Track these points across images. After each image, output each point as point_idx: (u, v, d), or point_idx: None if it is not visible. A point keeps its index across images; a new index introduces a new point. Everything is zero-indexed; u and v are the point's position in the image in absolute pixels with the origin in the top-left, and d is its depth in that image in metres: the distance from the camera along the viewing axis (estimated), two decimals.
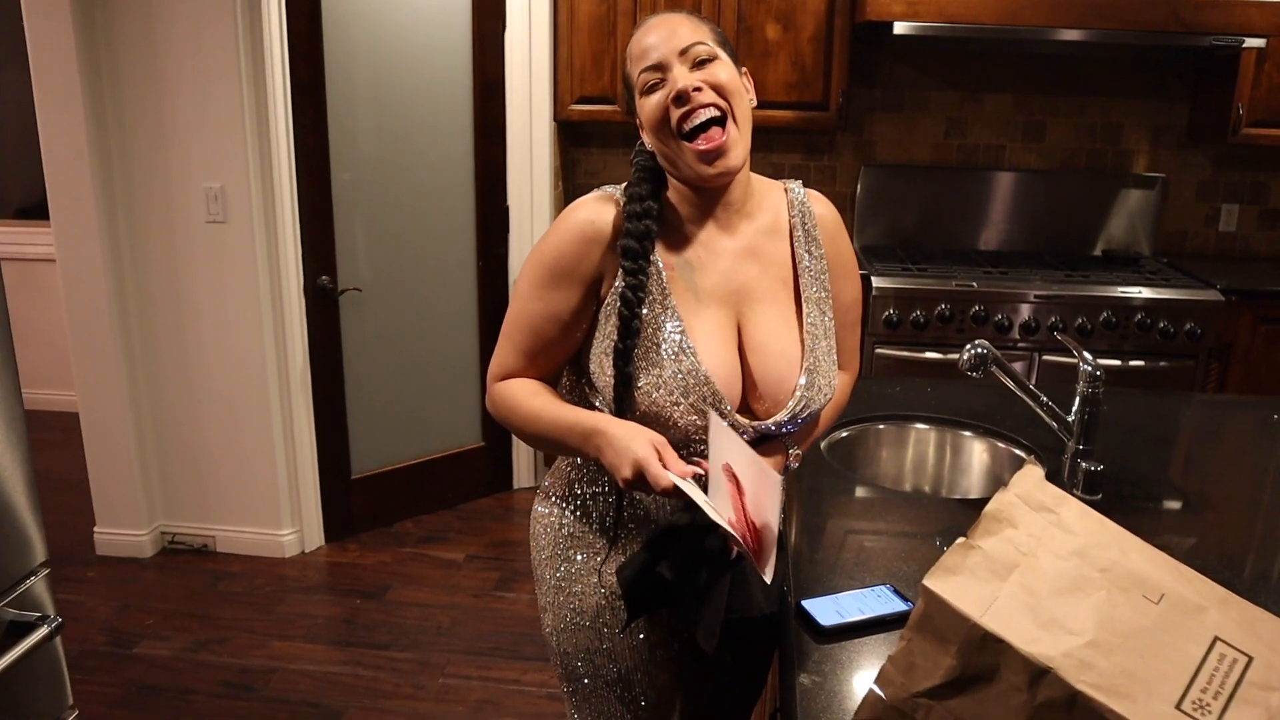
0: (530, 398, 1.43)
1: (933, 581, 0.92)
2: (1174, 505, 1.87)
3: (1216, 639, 0.90)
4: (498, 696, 2.85)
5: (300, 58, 3.28)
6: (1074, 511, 0.99)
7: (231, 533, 3.62)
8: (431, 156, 3.68)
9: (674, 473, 1.25)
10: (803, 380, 1.42)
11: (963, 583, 0.92)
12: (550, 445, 1.45)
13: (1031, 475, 1.02)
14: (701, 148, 1.35)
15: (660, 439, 1.30)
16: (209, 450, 3.55)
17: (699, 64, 1.36)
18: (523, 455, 4.19)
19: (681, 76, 1.34)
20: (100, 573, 3.50)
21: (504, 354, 1.48)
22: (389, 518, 3.87)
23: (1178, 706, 0.85)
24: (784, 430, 1.44)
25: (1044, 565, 0.94)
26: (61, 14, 3.09)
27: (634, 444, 1.28)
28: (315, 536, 3.68)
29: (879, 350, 3.64)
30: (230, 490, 3.58)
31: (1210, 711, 0.85)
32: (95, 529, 3.62)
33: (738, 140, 1.37)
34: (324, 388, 3.59)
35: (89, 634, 3.13)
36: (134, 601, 3.32)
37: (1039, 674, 0.86)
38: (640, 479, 1.26)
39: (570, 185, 4.37)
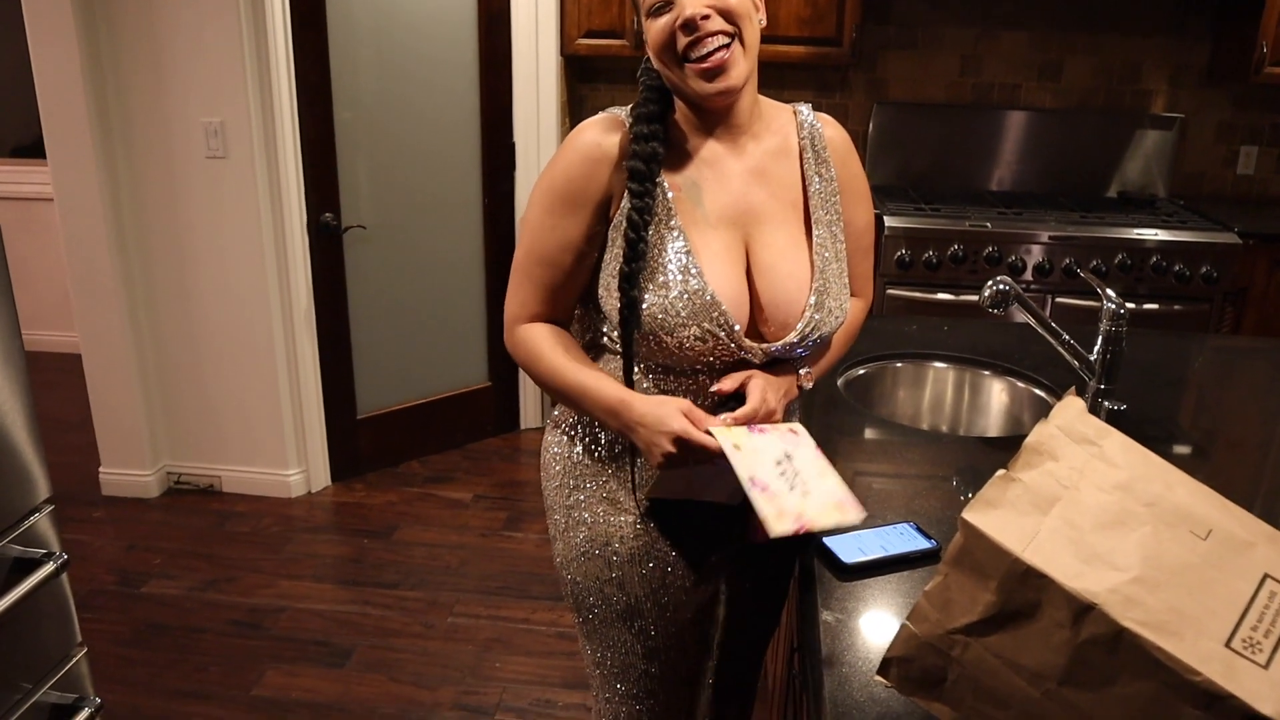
0: (552, 351, 1.41)
1: (972, 515, 0.88)
2: (1194, 446, 1.84)
3: (1266, 576, 0.87)
4: (506, 635, 2.85)
5: None
6: (1117, 444, 0.96)
7: (237, 473, 3.60)
8: (436, 91, 3.60)
9: (712, 429, 1.28)
10: (812, 301, 1.40)
11: (1003, 516, 0.88)
12: (569, 403, 1.43)
13: (1073, 406, 0.98)
14: (702, 65, 1.31)
15: (687, 404, 1.31)
16: (213, 390, 3.52)
17: None
18: (529, 396, 4.16)
19: (690, 2, 1.30)
20: (106, 513, 3.49)
21: (521, 291, 1.44)
22: (395, 458, 3.85)
23: (1227, 644, 0.82)
24: (795, 353, 1.42)
25: (1086, 499, 0.90)
26: None
27: (668, 419, 1.29)
28: (321, 476, 3.67)
29: (890, 291, 3.59)
30: (235, 430, 3.56)
31: (1261, 650, 0.82)
32: (100, 469, 3.60)
33: (740, 59, 1.32)
34: (328, 326, 3.54)
35: (97, 573, 3.12)
36: (141, 541, 3.32)
37: (1083, 610, 0.83)
38: (681, 449, 1.27)
39: (577, 121, 4.25)
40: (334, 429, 3.67)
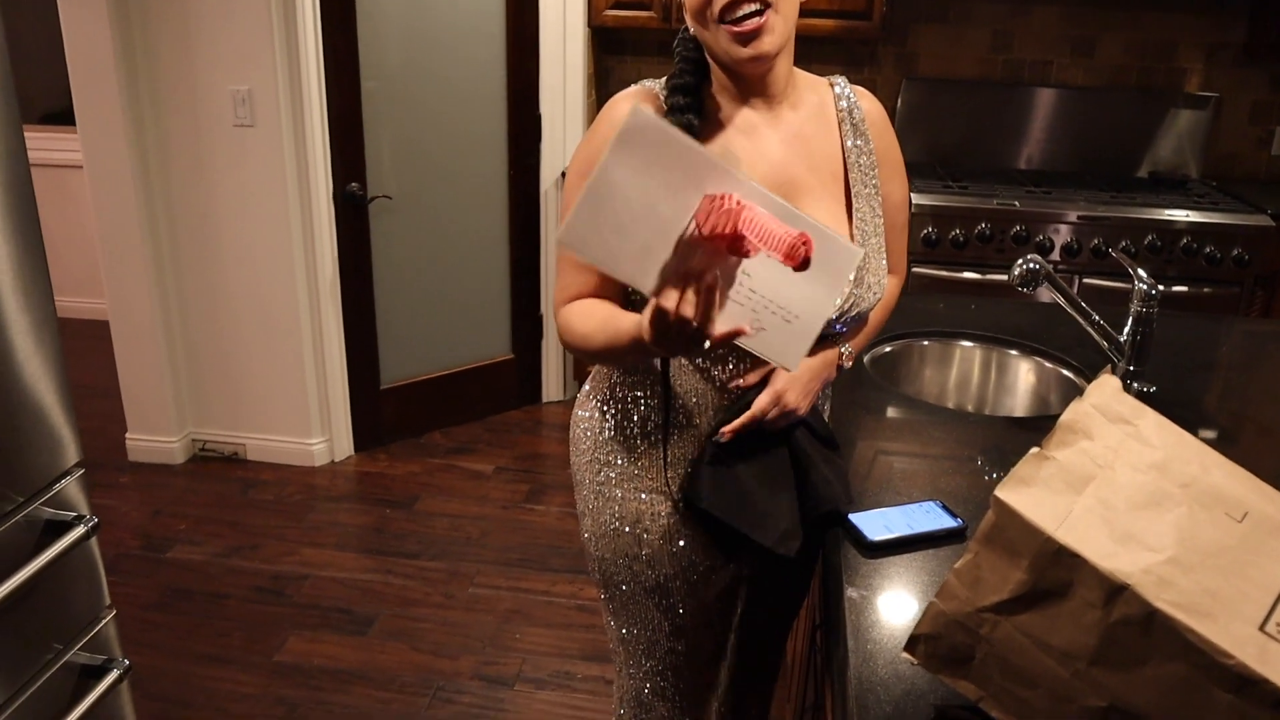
0: (584, 320, 1.36)
1: (1005, 492, 0.88)
2: (1224, 430, 1.82)
3: None
4: (526, 607, 2.86)
5: None
6: (1152, 424, 0.95)
7: (262, 441, 3.63)
8: (462, 62, 3.59)
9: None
10: (851, 277, 1.38)
11: (1036, 494, 0.88)
12: (613, 360, 1.42)
13: (1109, 385, 0.97)
14: (737, 28, 1.28)
15: None
16: (238, 358, 3.54)
17: None
18: (552, 369, 4.16)
19: None
20: (133, 478, 3.53)
21: (565, 275, 1.41)
22: (418, 429, 3.87)
23: (1261, 628, 0.82)
24: (834, 329, 1.40)
25: (1121, 479, 0.89)
26: None
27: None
28: (345, 446, 3.69)
29: (917, 269, 3.56)
30: (261, 398, 3.58)
31: None
32: (127, 435, 3.64)
33: (776, 25, 1.29)
34: (353, 296, 3.56)
35: (123, 538, 3.16)
36: (166, 507, 3.35)
37: (1116, 591, 0.83)
38: (684, 331, 1.13)
39: (603, 93, 4.26)
40: (357, 399, 3.68)
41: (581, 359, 1.44)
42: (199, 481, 3.52)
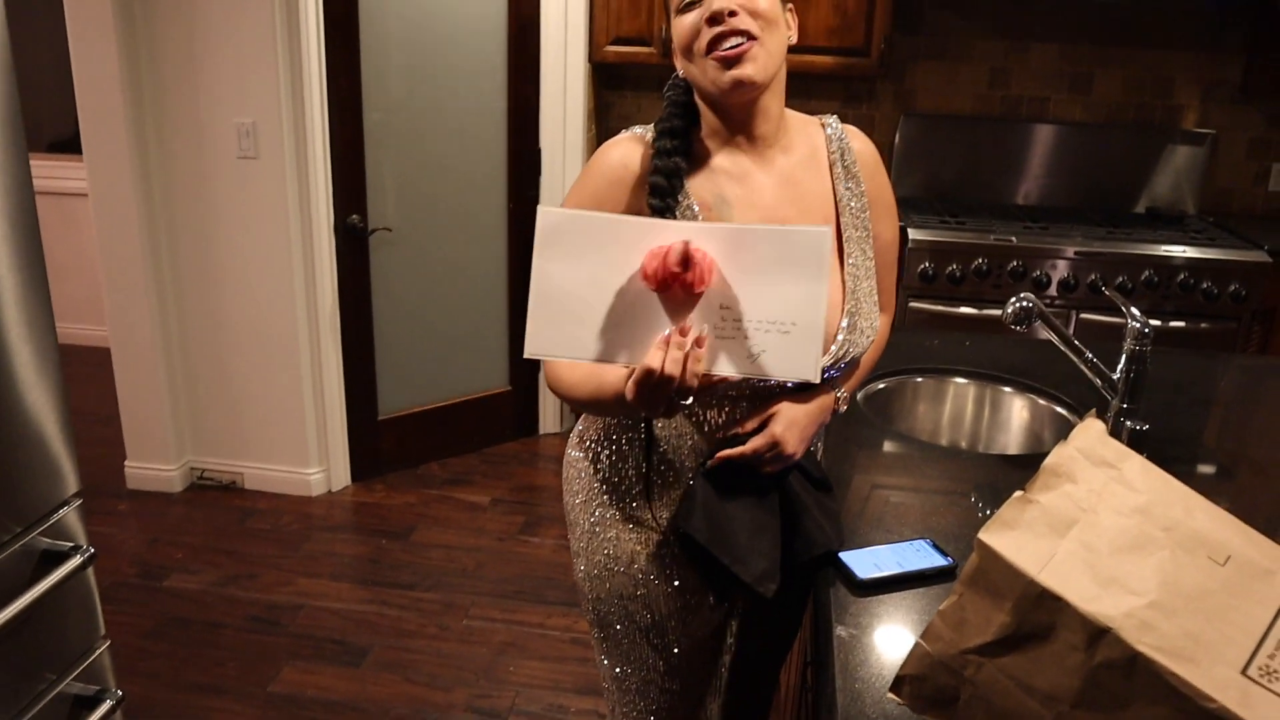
0: (570, 368, 1.36)
1: (988, 535, 0.89)
2: (1219, 467, 1.83)
3: None
4: (521, 639, 2.86)
5: None
6: (1136, 467, 0.96)
7: (259, 470, 3.64)
8: (464, 96, 3.63)
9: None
10: (844, 324, 1.39)
11: (1020, 537, 0.88)
12: (598, 411, 1.43)
13: (1093, 429, 0.98)
14: (721, 55, 1.29)
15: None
16: (238, 387, 3.55)
17: None
18: (549, 401, 4.17)
19: None
20: (131, 506, 3.53)
21: None
22: (415, 459, 3.88)
23: (1243, 672, 0.82)
24: (829, 374, 1.41)
25: (1104, 522, 0.90)
26: None
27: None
28: (342, 476, 3.70)
29: (913, 304, 3.58)
30: (258, 428, 3.59)
31: (1278, 678, 0.82)
32: (126, 463, 3.64)
33: (759, 54, 1.30)
34: (352, 327, 3.57)
35: (120, 566, 3.16)
36: (164, 535, 3.35)
37: (1098, 634, 0.83)
38: (668, 389, 1.14)
39: (603, 128, 4.30)
40: (355, 429, 3.69)
41: (568, 405, 1.44)
42: (197, 510, 3.52)
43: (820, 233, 1.14)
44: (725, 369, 1.16)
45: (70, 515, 1.67)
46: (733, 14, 1.28)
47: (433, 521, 3.48)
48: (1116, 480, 0.94)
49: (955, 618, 0.91)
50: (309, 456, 3.60)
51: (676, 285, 1.11)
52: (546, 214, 1.12)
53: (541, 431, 4.19)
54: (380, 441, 3.77)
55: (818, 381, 1.19)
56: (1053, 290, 3.53)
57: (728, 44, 1.29)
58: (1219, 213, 4.11)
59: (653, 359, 1.11)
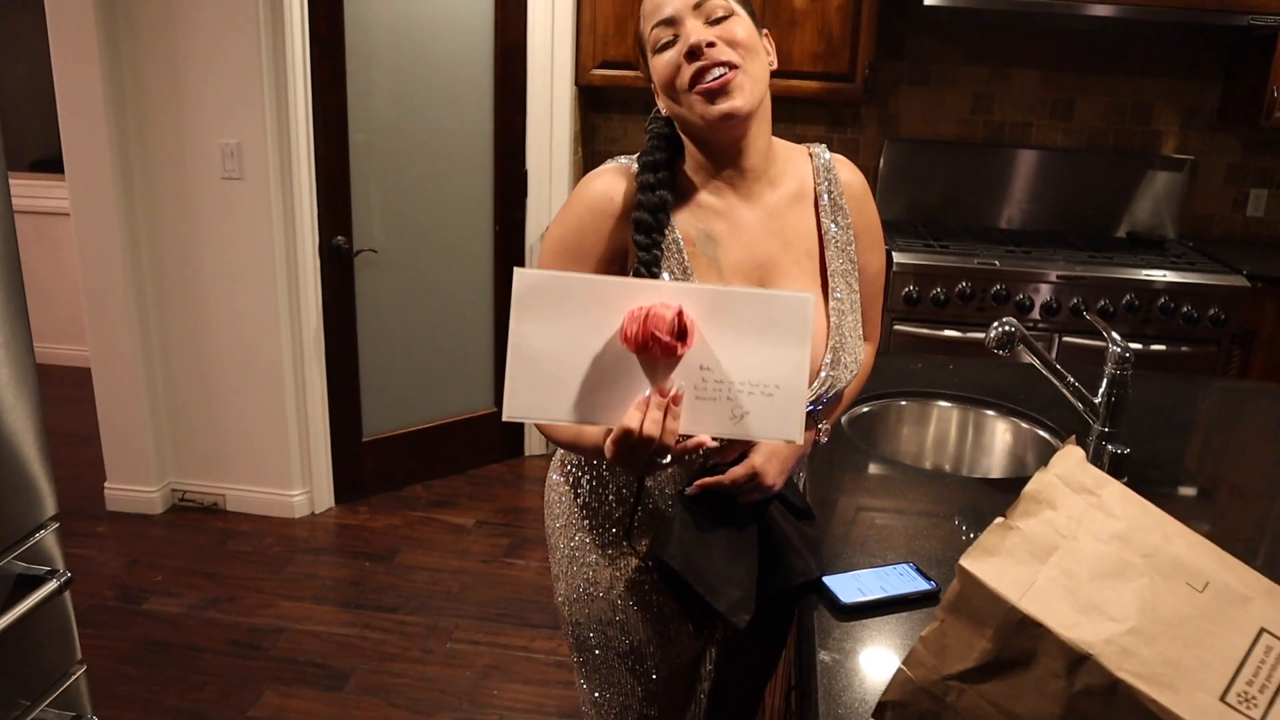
0: None
1: (969, 561, 0.89)
2: (1199, 490, 1.84)
3: (1263, 630, 0.87)
4: (505, 663, 2.84)
5: (320, 12, 3.23)
6: (1115, 494, 0.96)
7: (241, 492, 3.61)
8: (450, 118, 3.64)
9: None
10: (828, 360, 1.38)
11: (1000, 564, 0.89)
12: (577, 453, 1.43)
13: (1072, 455, 0.99)
14: (705, 87, 1.28)
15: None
16: (220, 408, 3.53)
17: (714, 20, 1.29)
18: None
19: (695, 31, 1.28)
20: (110, 528, 3.50)
21: None
22: (399, 481, 3.86)
23: (1222, 698, 0.82)
24: (810, 410, 1.40)
25: (1084, 548, 0.91)
26: None
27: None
28: (325, 498, 3.68)
29: (897, 326, 3.60)
30: (241, 449, 3.57)
31: (1256, 705, 0.82)
32: (106, 484, 3.61)
33: (745, 83, 1.29)
34: (337, 348, 3.56)
35: (98, 589, 3.13)
36: (143, 557, 3.32)
37: (1078, 660, 0.84)
38: (647, 449, 1.13)
39: (590, 151, 4.31)
40: (339, 451, 3.68)
41: (545, 436, 1.43)
42: (177, 532, 3.49)
43: (803, 299, 1.13)
44: (707, 430, 1.16)
45: (48, 538, 1.65)
46: (711, 45, 1.27)
47: (416, 544, 3.46)
48: (1096, 507, 0.94)
49: (937, 644, 0.91)
50: (292, 478, 3.58)
51: (657, 346, 1.11)
52: (523, 276, 1.11)
53: (527, 453, 4.18)
54: (364, 463, 3.76)
55: (801, 443, 1.18)
56: (1035, 314, 3.56)
57: (710, 76, 1.28)
58: (1198, 237, 4.16)
59: (631, 419, 1.10)
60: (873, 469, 1.85)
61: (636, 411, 1.10)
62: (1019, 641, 0.86)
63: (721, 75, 1.28)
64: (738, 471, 1.33)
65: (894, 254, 3.59)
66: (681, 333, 1.10)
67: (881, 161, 4.15)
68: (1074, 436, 1.09)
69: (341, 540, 3.50)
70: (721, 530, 1.35)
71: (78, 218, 3.32)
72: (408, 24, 3.44)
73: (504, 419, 1.14)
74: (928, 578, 1.39)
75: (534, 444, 4.19)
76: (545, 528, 1.56)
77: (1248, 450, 2.11)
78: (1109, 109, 4.09)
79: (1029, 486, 0.95)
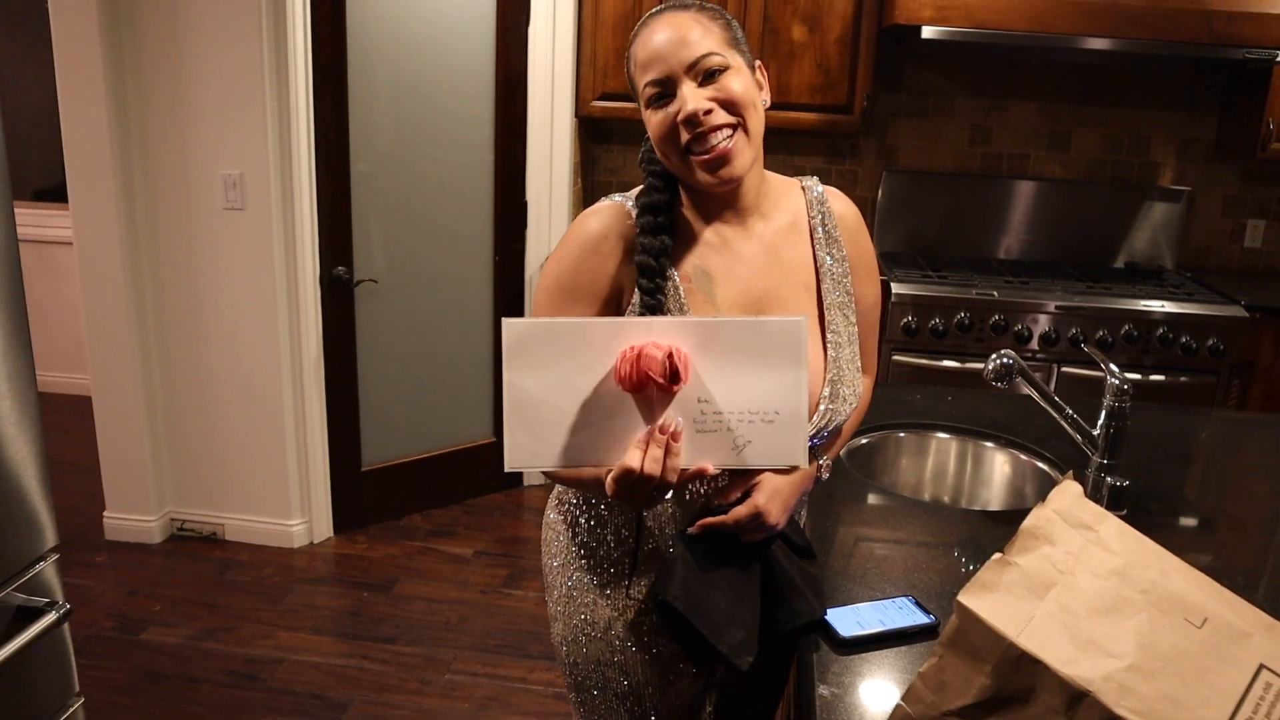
0: None
1: (968, 598, 0.89)
2: (1199, 523, 1.84)
3: (1262, 666, 0.87)
4: (504, 694, 2.82)
5: (323, 45, 3.26)
6: (1113, 530, 0.96)
7: (240, 521, 3.61)
8: (451, 149, 3.66)
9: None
10: (826, 393, 1.38)
11: (999, 600, 0.89)
12: (577, 489, 1.43)
13: (1070, 491, 0.99)
14: (704, 157, 1.29)
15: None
16: (221, 438, 3.54)
17: (709, 76, 1.28)
18: None
19: (691, 96, 1.27)
20: (109, 557, 3.49)
21: None
22: (398, 511, 3.86)
23: None
24: (811, 443, 1.39)
25: (1082, 584, 0.91)
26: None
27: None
28: (324, 528, 3.67)
29: (896, 357, 3.61)
30: (240, 479, 3.57)
31: None
32: (105, 513, 3.61)
33: (744, 148, 1.30)
34: (337, 378, 3.57)
35: (96, 619, 3.12)
36: (142, 587, 3.31)
37: (1077, 697, 0.84)
38: (648, 487, 1.14)
39: (590, 182, 4.34)
40: (338, 481, 3.67)
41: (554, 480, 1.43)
42: (176, 562, 3.48)
43: (795, 323, 1.14)
44: (709, 461, 1.16)
45: (47, 569, 1.65)
46: (708, 112, 1.26)
47: (415, 574, 3.45)
48: (1094, 542, 0.95)
49: (936, 679, 0.91)
50: (291, 508, 3.57)
51: (651, 384, 1.12)
52: (511, 326, 1.12)
53: (526, 483, 4.18)
54: (363, 493, 3.75)
55: (806, 468, 1.18)
56: (1034, 344, 3.56)
57: (709, 143, 1.28)
58: (1196, 268, 4.17)
59: (631, 459, 1.11)
60: (872, 500, 1.85)
61: (637, 450, 1.11)
62: (1018, 678, 0.86)
63: (719, 144, 1.28)
64: (741, 511, 1.31)
65: (892, 285, 3.60)
66: (674, 375, 1.10)
67: (880, 192, 4.17)
68: (1071, 472, 1.10)
69: (340, 570, 3.49)
70: (724, 570, 1.33)
71: (80, 247, 3.33)
72: (410, 56, 3.47)
73: (506, 469, 1.15)
74: (927, 611, 1.39)
75: (533, 474, 4.18)
76: (542, 566, 1.55)
77: (1247, 482, 2.11)
78: (1106, 140, 4.12)
79: (1027, 522, 0.95)
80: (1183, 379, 3.57)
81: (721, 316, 1.14)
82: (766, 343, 1.13)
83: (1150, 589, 0.91)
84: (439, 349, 3.82)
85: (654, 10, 1.36)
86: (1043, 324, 3.56)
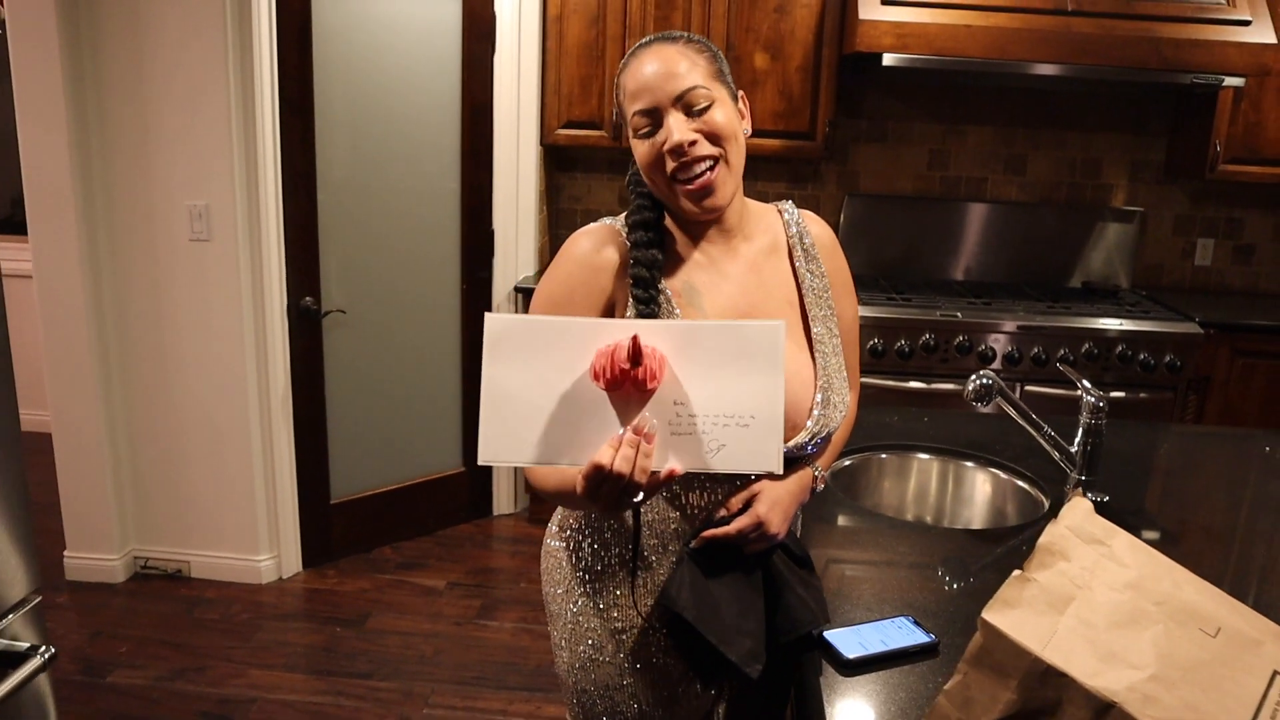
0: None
1: (992, 614, 0.90)
2: (1179, 535, 1.88)
3: (1276, 673, 0.90)
4: None
5: (290, 75, 3.24)
6: (1124, 544, 0.99)
7: (207, 558, 3.54)
8: (418, 179, 3.66)
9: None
10: (819, 399, 1.41)
11: (1021, 615, 0.90)
12: (566, 504, 1.44)
13: (1080, 507, 1.01)
14: (689, 187, 1.35)
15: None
16: (186, 473, 3.47)
17: (695, 108, 1.34)
18: (503, 482, 4.14)
19: (678, 128, 1.32)
20: (71, 598, 3.41)
21: None
22: (368, 544, 3.81)
23: None
24: (807, 451, 1.43)
25: (1099, 598, 0.93)
26: (46, 21, 3.03)
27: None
28: (293, 562, 3.61)
29: (864, 379, 3.64)
30: (207, 514, 3.50)
31: None
32: (65, 553, 3.52)
33: (726, 179, 1.36)
34: (305, 410, 3.53)
35: (60, 663, 3.03)
36: (106, 628, 3.23)
37: (1103, 709, 0.85)
38: (617, 487, 1.13)
39: (554, 209, 4.35)
40: (307, 514, 3.62)
41: (543, 498, 1.43)
42: (141, 601, 3.41)
43: (773, 327, 1.15)
44: (683, 464, 1.16)
45: (28, 613, 1.61)
46: (693, 143, 1.32)
47: (387, 607, 3.41)
48: (1107, 557, 0.97)
49: (960, 697, 0.92)
50: (259, 543, 3.51)
51: (628, 384, 1.12)
52: (494, 320, 1.13)
53: (495, 513, 4.15)
54: (332, 526, 3.70)
55: (780, 473, 1.20)
56: (998, 364, 3.62)
57: (693, 172, 1.34)
58: (1151, 286, 4.28)
59: (602, 456, 1.11)
60: (859, 522, 1.87)
61: (609, 448, 1.11)
62: (1044, 691, 0.87)
63: (703, 175, 1.34)
64: (743, 521, 1.35)
65: (858, 307, 3.64)
66: (636, 356, 1.11)
67: (842, 216, 4.23)
68: (1079, 489, 1.12)
69: (311, 605, 3.43)
70: (729, 581, 1.36)
71: (40, 280, 3.27)
72: (377, 87, 3.47)
73: (479, 463, 1.15)
74: (925, 630, 1.41)
75: (502, 503, 4.16)
76: (544, 596, 1.55)
77: (1216, 493, 2.16)
78: (1060, 163, 4.22)
79: (1043, 539, 0.97)
80: (1142, 395, 3.65)
81: (700, 321, 1.16)
82: (745, 347, 1.15)
83: (1165, 600, 0.93)
84: (407, 379, 3.79)
85: (644, 41, 1.41)
86: (1005, 344, 3.62)
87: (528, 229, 3.96)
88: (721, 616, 1.34)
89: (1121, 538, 0.99)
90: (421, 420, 3.88)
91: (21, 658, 1.56)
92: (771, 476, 1.38)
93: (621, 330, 1.13)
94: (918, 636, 1.39)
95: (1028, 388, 3.65)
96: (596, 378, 1.12)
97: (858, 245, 4.24)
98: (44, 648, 1.60)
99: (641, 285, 1.35)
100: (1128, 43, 3.42)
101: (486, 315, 1.15)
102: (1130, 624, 0.91)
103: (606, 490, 1.13)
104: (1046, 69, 3.55)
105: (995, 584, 1.50)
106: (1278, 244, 4.27)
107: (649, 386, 1.13)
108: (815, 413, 1.41)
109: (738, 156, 1.38)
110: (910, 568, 1.65)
